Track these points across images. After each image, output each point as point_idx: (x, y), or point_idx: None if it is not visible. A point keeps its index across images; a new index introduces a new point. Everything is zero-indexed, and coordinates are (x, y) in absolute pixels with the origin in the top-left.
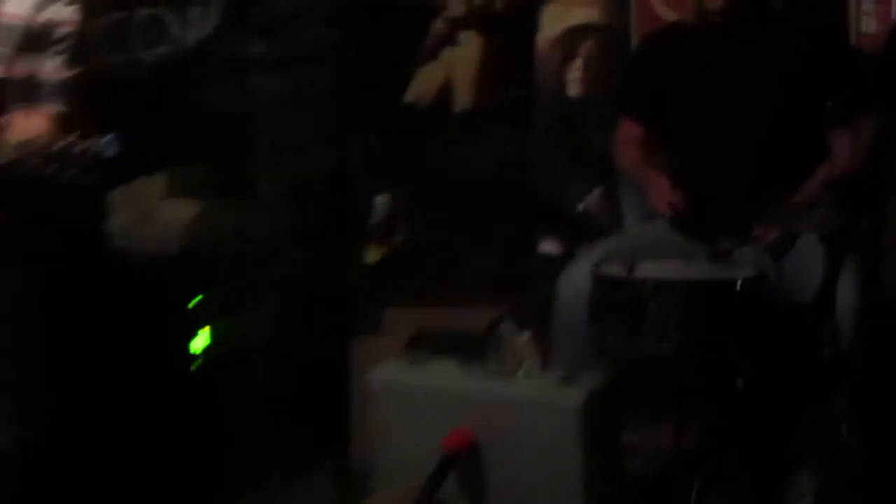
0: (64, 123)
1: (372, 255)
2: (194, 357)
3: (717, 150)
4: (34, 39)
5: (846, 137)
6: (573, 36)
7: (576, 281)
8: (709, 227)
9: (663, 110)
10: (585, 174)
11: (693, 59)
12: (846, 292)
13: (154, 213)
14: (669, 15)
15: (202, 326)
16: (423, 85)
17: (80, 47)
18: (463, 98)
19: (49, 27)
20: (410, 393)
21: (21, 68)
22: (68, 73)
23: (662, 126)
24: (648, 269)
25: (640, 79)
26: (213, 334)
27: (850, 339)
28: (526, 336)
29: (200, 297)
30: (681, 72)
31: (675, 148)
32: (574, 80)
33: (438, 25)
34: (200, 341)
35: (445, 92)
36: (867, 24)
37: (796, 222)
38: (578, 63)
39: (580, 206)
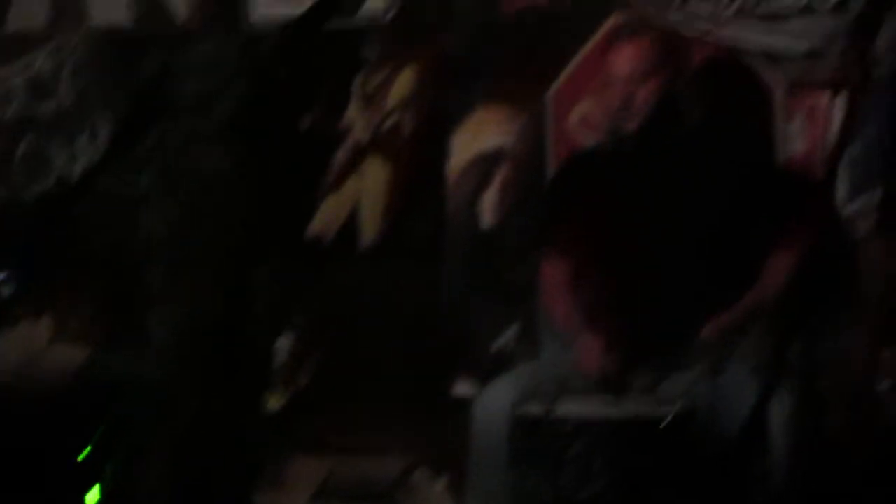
0: None
1: (274, 401)
2: None
3: (640, 279)
4: None
5: (775, 260)
6: (485, 162)
7: (492, 422)
8: (632, 363)
9: (583, 241)
10: (501, 310)
11: (611, 186)
12: (778, 425)
13: (40, 358)
14: (589, 138)
15: (92, 481)
16: (327, 217)
17: None
18: (370, 231)
19: None
20: None
21: None
22: None
23: (583, 258)
24: (570, 407)
25: (557, 209)
26: (104, 490)
27: (784, 476)
28: (441, 484)
29: (89, 449)
30: (597, 200)
31: (597, 280)
32: (487, 209)
33: (343, 153)
34: (91, 497)
35: (351, 224)
36: (794, 144)
37: (724, 352)
38: (492, 191)
39: (496, 345)
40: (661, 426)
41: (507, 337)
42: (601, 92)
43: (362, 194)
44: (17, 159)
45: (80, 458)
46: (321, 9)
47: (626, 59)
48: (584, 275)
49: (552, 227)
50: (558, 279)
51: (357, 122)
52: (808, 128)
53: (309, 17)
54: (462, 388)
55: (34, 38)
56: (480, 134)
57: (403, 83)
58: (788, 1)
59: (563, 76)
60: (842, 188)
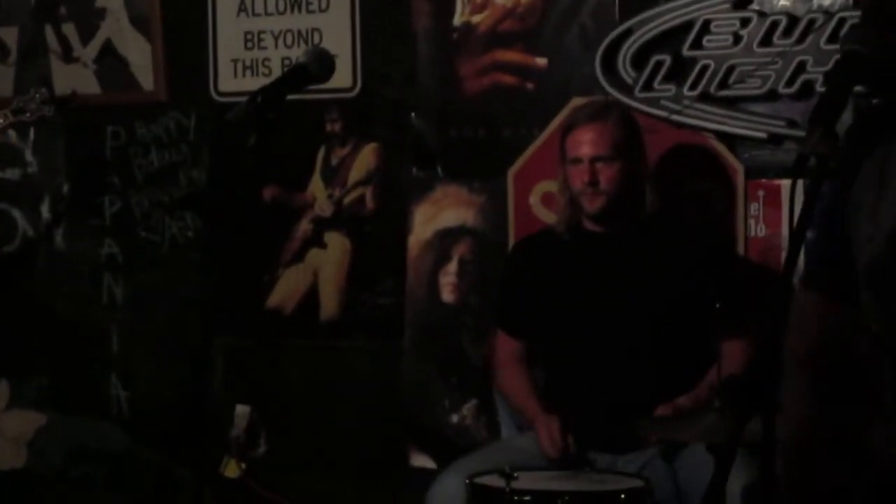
0: None
1: (231, 470)
2: None
3: (597, 358)
4: None
5: (734, 342)
6: (446, 239)
7: (449, 495)
8: (589, 443)
9: (538, 322)
10: (459, 386)
11: (566, 267)
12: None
13: None
14: (549, 217)
15: None
16: (287, 289)
17: None
18: (329, 304)
19: None
20: None
21: None
22: None
23: (538, 339)
24: (528, 480)
25: (513, 290)
26: None
27: None
28: None
29: None
30: (553, 281)
31: (553, 361)
32: (447, 284)
33: (304, 226)
34: None
35: (311, 297)
36: (756, 227)
37: (681, 432)
38: (452, 267)
39: (454, 419)
40: (621, 496)
41: (465, 411)
42: (562, 173)
43: (323, 267)
44: None
45: None
46: (289, 79)
47: (586, 142)
48: (537, 356)
49: (504, 307)
50: (511, 357)
51: (319, 194)
52: (768, 212)
53: (276, 87)
54: (419, 460)
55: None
56: (442, 210)
57: (366, 158)
58: (751, 85)
59: (525, 156)
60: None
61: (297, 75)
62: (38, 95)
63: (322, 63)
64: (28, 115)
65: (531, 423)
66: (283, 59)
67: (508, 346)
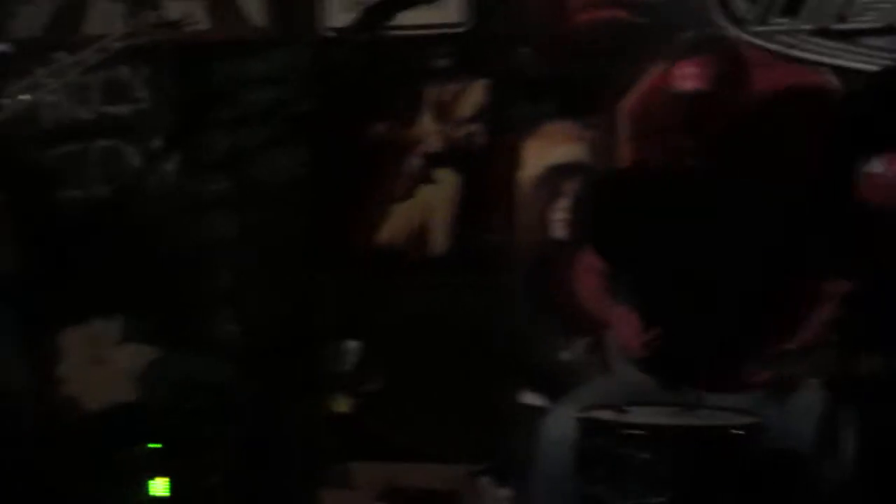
0: None
1: (341, 405)
2: None
3: (697, 296)
4: None
5: (843, 282)
6: (557, 175)
7: (560, 429)
8: (688, 371)
9: (635, 254)
10: (570, 323)
11: (665, 202)
12: (848, 440)
13: (107, 358)
14: (655, 152)
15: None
16: (396, 225)
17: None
18: (439, 240)
19: None
20: None
21: None
22: None
23: (636, 269)
24: (639, 415)
25: (609, 219)
26: (172, 488)
27: (854, 487)
28: (506, 492)
29: (157, 446)
30: (651, 215)
31: (652, 293)
32: (558, 220)
33: (413, 162)
34: (159, 488)
35: (420, 233)
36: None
37: (795, 367)
38: (563, 203)
39: (564, 356)
40: (733, 432)
41: (576, 349)
42: (667, 107)
43: (433, 203)
44: (91, 160)
45: (149, 448)
46: None
47: (691, 76)
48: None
49: (600, 234)
50: (592, 270)
51: (429, 131)
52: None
53: (386, 3)
54: (529, 397)
55: (111, 40)
56: (552, 146)
57: (476, 94)
58: (868, 18)
59: (635, 90)
60: None
61: None
62: (150, 18)
63: None
64: (141, 38)
65: (607, 325)
66: None
67: (592, 261)
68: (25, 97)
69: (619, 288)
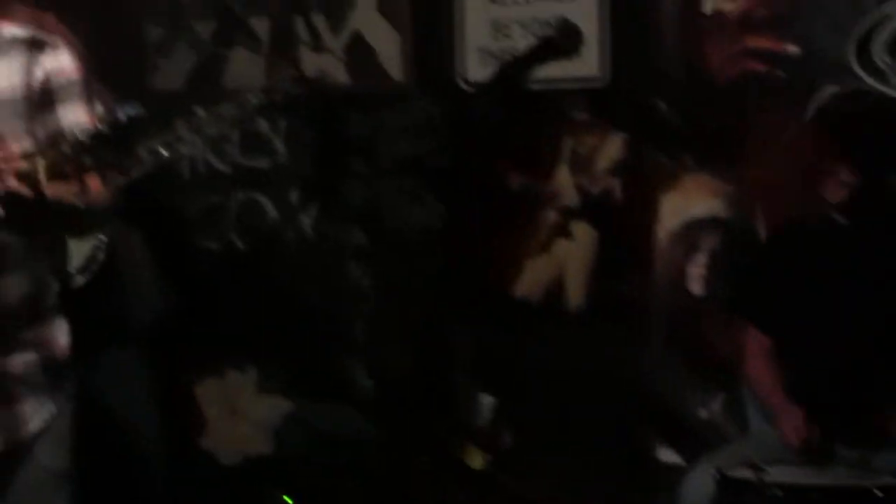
0: None
1: (475, 460)
2: None
3: (845, 352)
4: (41, 101)
5: None
6: (695, 229)
7: (699, 488)
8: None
9: (788, 317)
10: (707, 379)
11: (815, 260)
12: None
13: (242, 409)
14: (798, 208)
15: None
16: (532, 279)
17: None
18: (576, 293)
19: (48, 83)
20: None
21: (41, 132)
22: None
23: (787, 334)
24: (779, 474)
25: (765, 284)
26: None
27: None
28: None
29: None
30: (803, 274)
31: (800, 355)
32: (696, 275)
33: (550, 215)
34: None
35: (556, 287)
36: None
37: None
38: (701, 258)
39: (701, 413)
40: (874, 492)
41: (713, 405)
42: (811, 163)
43: (570, 256)
44: (231, 212)
45: (283, 500)
46: (537, 52)
47: (836, 132)
48: (787, 348)
49: (757, 297)
50: (760, 350)
51: (566, 184)
52: None
53: (524, 59)
54: (665, 454)
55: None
56: (691, 200)
57: (614, 147)
58: None
59: (775, 144)
60: None
61: (544, 48)
62: (287, 75)
63: (569, 36)
64: (277, 95)
65: (776, 415)
66: None
67: (757, 340)
68: (165, 151)
69: (786, 374)
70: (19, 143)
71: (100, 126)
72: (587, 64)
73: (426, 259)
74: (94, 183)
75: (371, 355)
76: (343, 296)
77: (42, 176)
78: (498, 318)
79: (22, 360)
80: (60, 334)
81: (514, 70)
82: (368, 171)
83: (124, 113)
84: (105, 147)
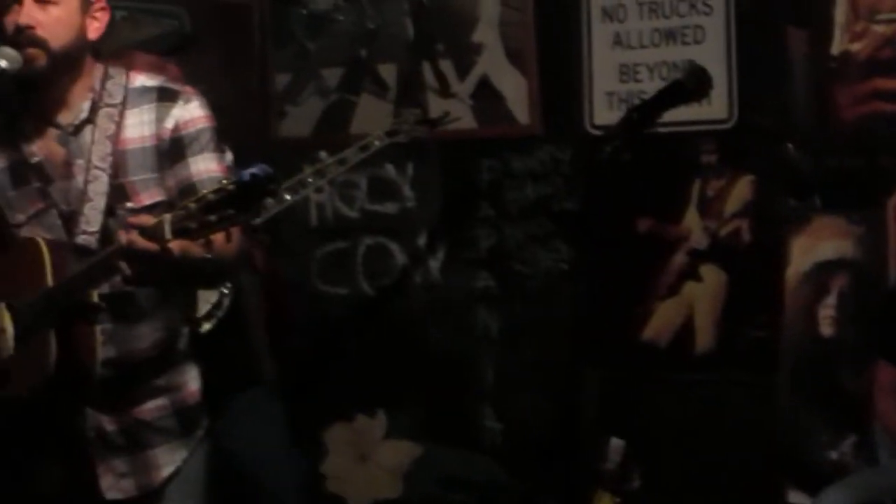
0: None
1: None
2: None
3: None
4: (171, 152)
5: None
6: (825, 271)
7: None
8: None
9: None
10: (837, 421)
11: None
12: None
13: (371, 454)
14: None
15: None
16: (661, 322)
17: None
18: (704, 337)
19: (178, 133)
20: None
21: (171, 183)
22: (224, 166)
23: None
24: None
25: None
26: None
27: None
28: None
29: None
30: None
31: None
32: (826, 318)
33: (679, 258)
34: None
35: (686, 330)
36: None
37: None
38: (831, 300)
39: (832, 455)
40: None
41: (844, 448)
42: None
43: (699, 299)
44: (359, 257)
45: None
46: (665, 95)
47: None
48: None
49: (888, 335)
50: (891, 386)
51: (695, 226)
52: None
53: (653, 103)
54: (796, 497)
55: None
56: (820, 242)
57: (742, 189)
58: None
59: None
60: None
61: (673, 91)
62: (411, 116)
63: (698, 79)
64: (402, 136)
65: None
66: None
67: (889, 376)
68: (292, 196)
69: None
70: (150, 194)
71: (228, 186)
72: (715, 106)
73: (554, 303)
74: (219, 237)
75: (499, 399)
76: (471, 340)
77: (168, 233)
78: (626, 362)
79: (154, 406)
80: (192, 379)
81: (642, 114)
82: (496, 215)
83: (254, 173)
84: (232, 204)
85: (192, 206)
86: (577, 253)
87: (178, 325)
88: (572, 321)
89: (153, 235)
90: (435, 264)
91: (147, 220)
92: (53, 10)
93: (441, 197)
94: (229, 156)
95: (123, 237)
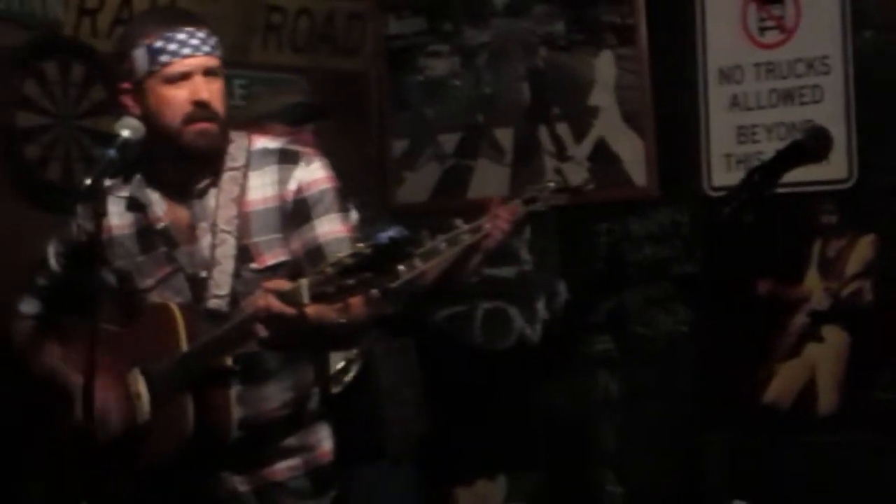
0: None
1: None
2: None
3: None
4: (295, 213)
5: None
6: None
7: None
8: None
9: None
10: None
11: None
12: None
13: None
14: None
15: None
16: (783, 384)
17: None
18: (827, 399)
19: (301, 194)
20: None
21: (296, 244)
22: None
23: None
24: None
25: None
26: None
27: None
28: None
29: None
30: None
31: None
32: None
33: (800, 319)
34: None
35: (808, 392)
36: None
37: None
38: None
39: None
40: None
41: None
42: None
43: (821, 361)
44: (477, 321)
45: None
46: (786, 156)
47: None
48: None
49: None
50: None
51: (816, 287)
52: None
53: (773, 164)
54: None
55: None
56: None
57: (864, 249)
58: None
59: None
60: None
61: (793, 152)
62: (551, 184)
63: (819, 140)
64: (540, 204)
65: None
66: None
67: None
68: (423, 264)
69: None
70: (274, 254)
71: (365, 249)
72: (834, 166)
73: (674, 366)
74: (355, 300)
75: (621, 462)
76: (591, 403)
77: (306, 297)
78: (749, 424)
79: (286, 466)
80: (324, 439)
81: (763, 175)
82: (614, 277)
83: (391, 236)
84: (369, 267)
85: (330, 270)
86: (697, 315)
87: (308, 385)
88: (693, 384)
89: (291, 299)
90: (555, 328)
91: (283, 284)
92: (216, 83)
93: (559, 261)
94: (354, 215)
95: (261, 301)
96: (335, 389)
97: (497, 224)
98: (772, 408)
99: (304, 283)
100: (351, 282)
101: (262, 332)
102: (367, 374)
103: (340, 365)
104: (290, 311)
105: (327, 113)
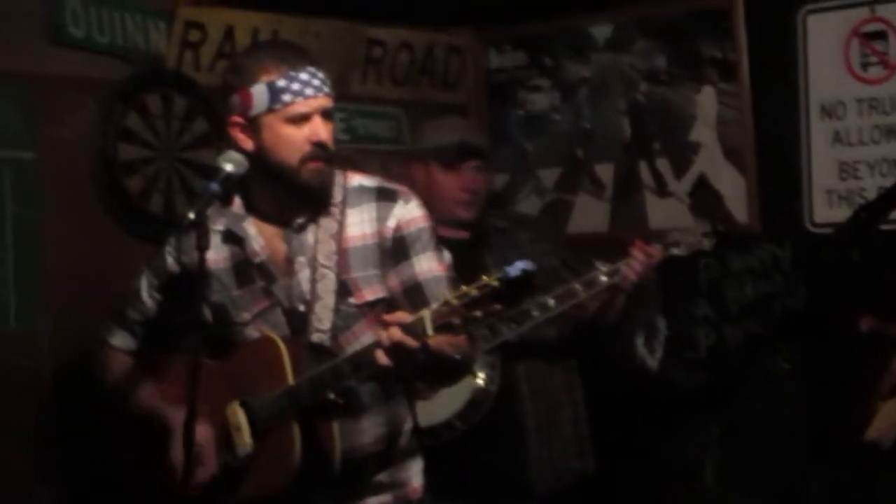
0: None
1: None
2: None
3: None
4: (394, 251)
5: None
6: None
7: None
8: None
9: None
10: None
11: None
12: None
13: None
14: None
15: None
16: (884, 423)
17: None
18: None
19: (400, 232)
20: None
21: (394, 282)
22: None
23: None
24: None
25: None
26: None
27: None
28: None
29: None
30: None
31: None
32: None
33: None
34: None
35: None
36: None
37: None
38: None
39: None
40: None
41: None
42: None
43: None
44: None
45: None
46: (892, 195)
47: None
48: None
49: None
50: None
51: None
52: None
53: (881, 202)
54: None
55: (596, 239)
56: None
57: None
58: None
59: None
60: None
61: None
62: (697, 227)
63: None
64: (683, 247)
65: None
66: (878, 189)
67: None
68: (556, 305)
69: None
70: (372, 290)
71: (493, 281)
72: None
73: (776, 403)
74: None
75: (721, 500)
76: (692, 440)
77: (429, 328)
78: (850, 462)
79: (377, 502)
80: (415, 475)
81: (870, 213)
82: (715, 314)
83: (523, 268)
84: (498, 299)
85: (455, 301)
86: (799, 352)
87: (400, 421)
88: (795, 421)
89: (413, 331)
90: (653, 364)
91: (405, 316)
92: (331, 124)
93: (660, 296)
94: (447, 255)
95: (382, 334)
96: (463, 427)
97: (633, 265)
98: (874, 446)
99: (426, 314)
100: (478, 314)
101: (384, 360)
102: (508, 406)
103: (466, 399)
104: (412, 342)
105: (486, 152)
